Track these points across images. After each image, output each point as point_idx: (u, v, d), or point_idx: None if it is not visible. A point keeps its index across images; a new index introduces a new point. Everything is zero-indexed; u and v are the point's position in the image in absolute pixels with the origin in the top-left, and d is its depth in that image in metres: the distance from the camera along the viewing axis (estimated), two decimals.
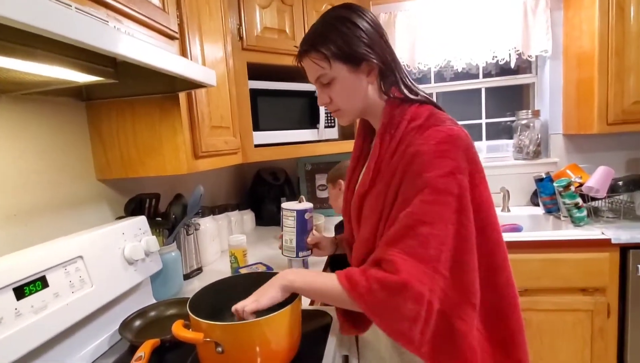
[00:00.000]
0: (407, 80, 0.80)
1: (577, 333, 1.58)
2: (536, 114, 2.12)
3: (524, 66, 2.29)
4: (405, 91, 0.78)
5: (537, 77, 2.22)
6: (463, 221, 0.67)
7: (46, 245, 0.77)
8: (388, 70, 0.78)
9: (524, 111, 2.14)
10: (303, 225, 1.10)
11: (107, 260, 0.88)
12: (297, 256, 1.12)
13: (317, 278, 0.74)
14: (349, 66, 0.75)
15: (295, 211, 1.08)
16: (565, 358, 1.60)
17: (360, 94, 0.78)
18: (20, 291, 0.67)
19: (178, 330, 0.67)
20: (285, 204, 1.13)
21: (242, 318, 0.70)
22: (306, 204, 1.13)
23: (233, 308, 0.72)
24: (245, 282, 0.92)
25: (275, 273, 0.95)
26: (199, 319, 0.68)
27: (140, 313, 0.96)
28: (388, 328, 0.67)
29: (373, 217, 0.75)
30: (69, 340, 0.79)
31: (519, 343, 0.74)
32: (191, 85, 0.94)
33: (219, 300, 0.86)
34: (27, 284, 0.69)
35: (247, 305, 0.70)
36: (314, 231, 1.14)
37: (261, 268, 1.19)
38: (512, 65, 2.13)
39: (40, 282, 0.71)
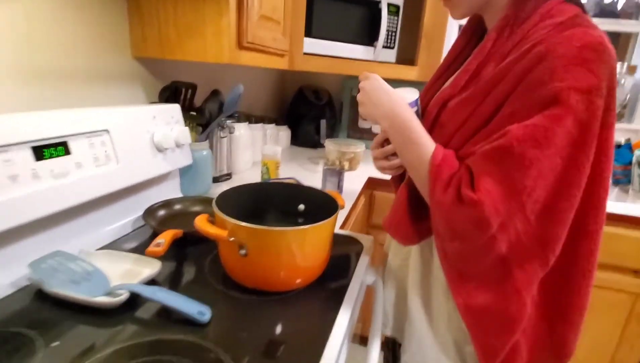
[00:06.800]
0: None
1: (612, 313, 1.47)
2: (632, 70, 1.80)
3: (629, 11, 1.90)
4: None
5: None
6: (579, 159, 0.51)
7: (72, 111, 0.70)
8: None
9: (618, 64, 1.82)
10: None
11: (136, 141, 0.81)
12: None
13: (413, 139, 0.62)
14: None
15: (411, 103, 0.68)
16: (592, 336, 1.52)
17: None
18: (40, 152, 0.61)
19: (202, 224, 0.61)
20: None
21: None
22: (415, 94, 0.70)
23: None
24: (276, 191, 0.84)
25: (308, 187, 0.87)
26: (226, 217, 0.61)
27: (166, 204, 0.92)
28: (441, 234, 0.60)
29: (449, 126, 0.61)
30: (91, 215, 0.76)
31: (572, 324, 0.61)
32: None
33: (246, 203, 0.79)
34: (47, 146, 0.63)
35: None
36: None
37: (293, 182, 1.12)
38: (619, 6, 1.77)
39: (63, 148, 0.66)
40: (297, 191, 0.85)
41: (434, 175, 0.57)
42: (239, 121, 1.39)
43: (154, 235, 0.82)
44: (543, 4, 0.56)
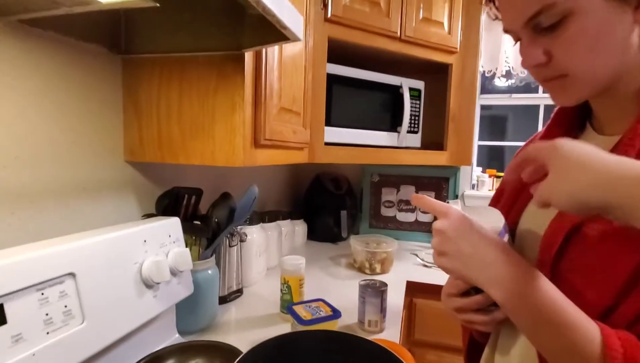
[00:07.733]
0: None
1: None
2: None
3: None
4: None
5: None
6: None
7: (13, 254, 0.48)
8: None
9: None
10: None
11: (115, 280, 0.59)
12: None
13: (556, 319, 0.38)
14: None
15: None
16: None
17: (616, 44, 0.41)
18: None
19: None
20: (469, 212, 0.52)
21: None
22: (498, 217, 0.51)
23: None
24: (311, 343, 0.59)
25: (356, 338, 0.60)
26: None
27: (153, 360, 0.66)
28: None
29: (603, 276, 0.39)
30: None
31: None
32: (265, 38, 0.64)
33: None
34: None
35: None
36: None
37: (323, 309, 0.86)
38: None
39: None
40: (340, 341, 0.60)
41: None
42: (251, 223, 1.19)
43: None
44: None
